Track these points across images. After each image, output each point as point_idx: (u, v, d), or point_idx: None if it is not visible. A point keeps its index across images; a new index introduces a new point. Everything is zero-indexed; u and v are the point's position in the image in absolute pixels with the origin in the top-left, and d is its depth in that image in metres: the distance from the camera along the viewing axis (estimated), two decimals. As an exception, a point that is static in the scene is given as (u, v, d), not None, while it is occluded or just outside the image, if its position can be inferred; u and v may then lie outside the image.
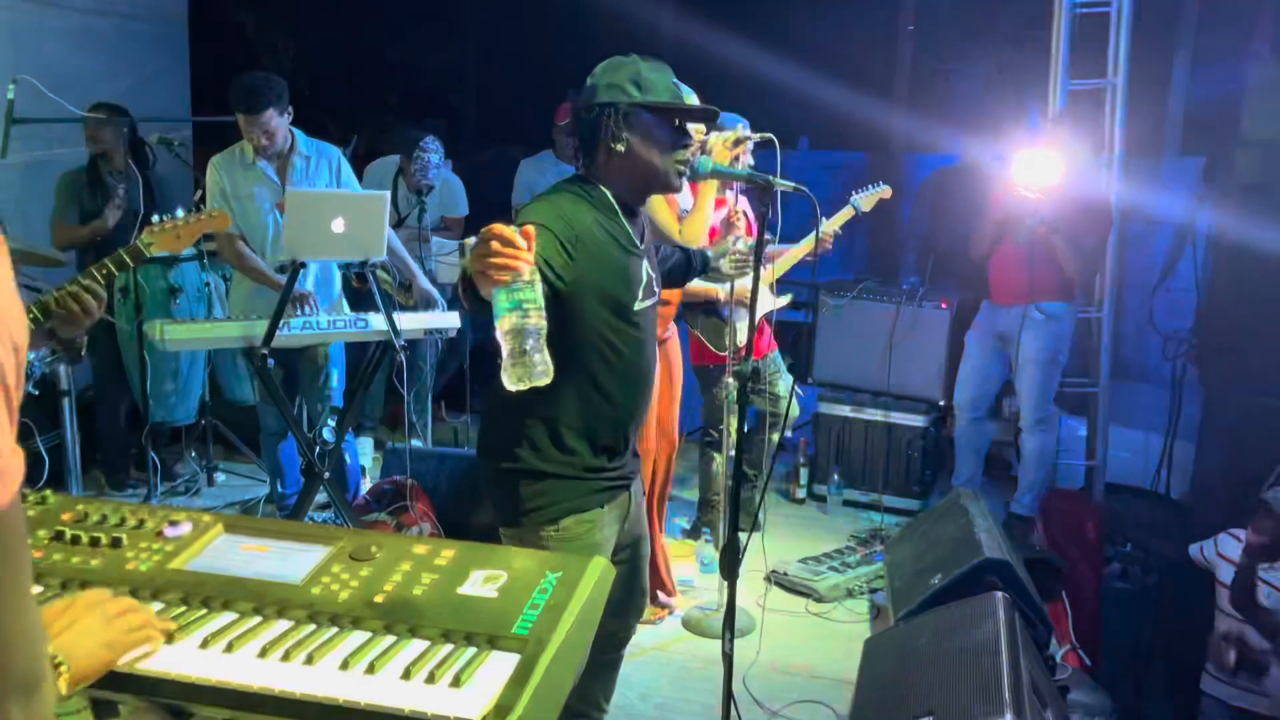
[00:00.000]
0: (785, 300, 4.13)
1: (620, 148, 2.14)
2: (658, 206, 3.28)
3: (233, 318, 3.83)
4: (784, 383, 4.34)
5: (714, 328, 4.03)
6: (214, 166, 3.85)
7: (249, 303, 3.88)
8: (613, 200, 2.19)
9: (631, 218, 2.23)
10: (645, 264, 2.26)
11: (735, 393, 2.36)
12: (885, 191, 4.17)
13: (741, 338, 3.94)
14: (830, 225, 3.99)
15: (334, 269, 4.03)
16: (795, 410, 4.40)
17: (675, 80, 2.21)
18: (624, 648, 2.60)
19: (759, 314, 3.58)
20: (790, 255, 4.06)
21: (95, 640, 1.21)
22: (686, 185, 3.64)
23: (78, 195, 4.39)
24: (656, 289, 2.32)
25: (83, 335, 2.33)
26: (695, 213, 3.35)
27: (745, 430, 2.39)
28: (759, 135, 3.68)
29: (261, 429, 4.12)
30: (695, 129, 3.40)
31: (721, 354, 4.00)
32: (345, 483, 4.09)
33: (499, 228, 1.68)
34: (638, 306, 2.22)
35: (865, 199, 4.14)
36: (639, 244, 2.24)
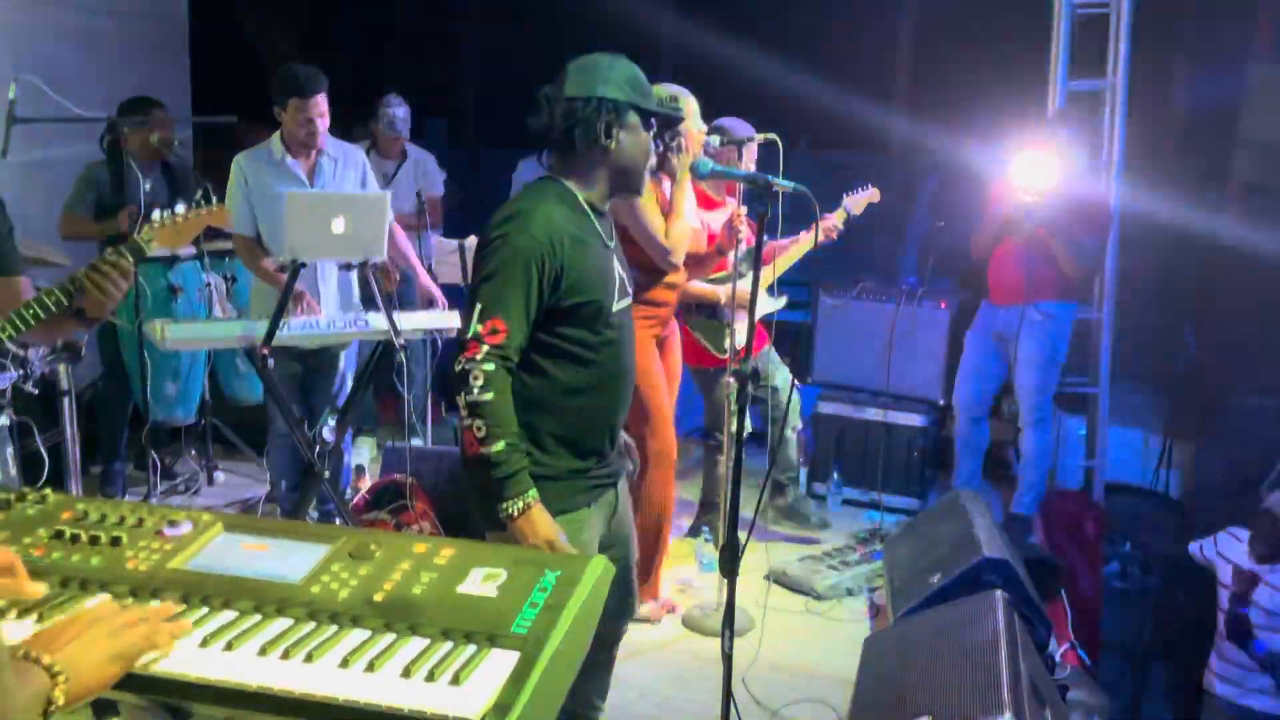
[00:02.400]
0: (781, 303, 4.15)
1: (610, 144, 2.14)
2: (649, 210, 3.25)
3: (253, 317, 3.78)
4: (781, 375, 4.35)
5: (712, 330, 4.04)
6: (238, 163, 3.82)
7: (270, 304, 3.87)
8: (581, 199, 2.19)
9: (600, 217, 2.24)
10: (616, 263, 2.26)
11: (735, 393, 2.37)
12: (874, 195, 4.24)
13: (740, 340, 3.98)
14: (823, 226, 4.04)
15: (351, 278, 4.01)
16: (797, 399, 4.42)
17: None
18: (616, 647, 2.61)
19: (753, 322, 3.61)
20: (790, 254, 4.07)
21: (100, 653, 1.21)
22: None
23: (97, 188, 4.39)
24: (629, 289, 2.32)
25: (84, 335, 2.31)
26: (675, 215, 3.32)
27: (749, 433, 2.40)
28: (763, 136, 3.71)
29: (271, 429, 4.11)
30: (699, 131, 3.42)
31: (719, 357, 4.01)
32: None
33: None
34: (615, 308, 2.22)
35: (855, 202, 4.19)
36: (610, 242, 2.25)
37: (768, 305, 4.02)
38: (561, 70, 2.18)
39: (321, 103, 3.75)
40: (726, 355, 3.95)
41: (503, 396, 2.04)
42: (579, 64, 2.17)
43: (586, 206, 2.19)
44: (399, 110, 5.01)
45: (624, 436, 2.47)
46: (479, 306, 2.06)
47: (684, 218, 3.31)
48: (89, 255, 4.52)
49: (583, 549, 2.20)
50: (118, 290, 2.10)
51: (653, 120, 2.21)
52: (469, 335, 2.06)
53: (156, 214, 2.33)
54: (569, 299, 2.12)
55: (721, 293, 3.95)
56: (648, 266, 3.28)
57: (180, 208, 2.38)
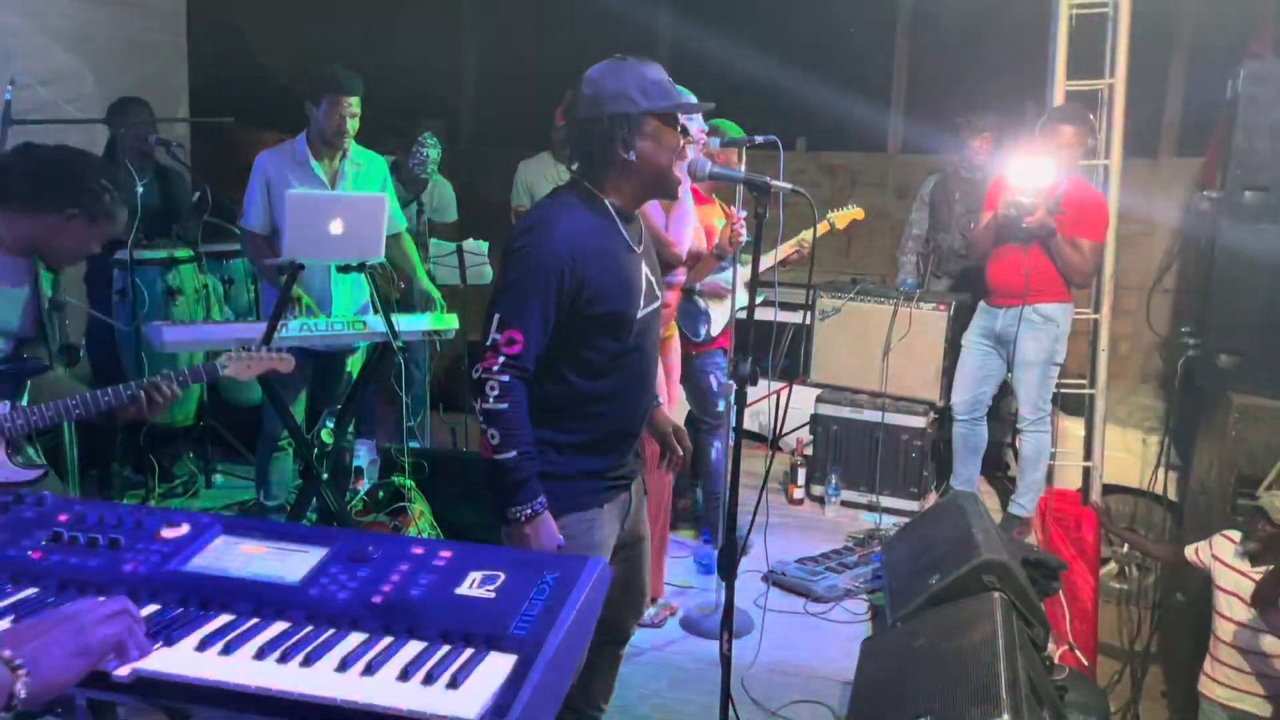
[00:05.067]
0: (759, 299, 4.16)
1: (631, 156, 2.13)
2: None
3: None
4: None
5: (689, 315, 4.06)
6: (261, 160, 3.83)
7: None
8: (610, 208, 2.18)
9: (628, 223, 2.23)
10: (645, 268, 2.25)
11: (734, 393, 2.37)
12: (858, 212, 4.38)
13: (715, 329, 4.07)
14: (803, 236, 4.08)
15: (361, 278, 4.01)
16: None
17: (668, 75, 2.21)
18: (623, 646, 2.61)
19: (734, 311, 3.63)
20: (771, 253, 4.08)
21: (65, 649, 1.21)
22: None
23: None
24: (658, 293, 2.31)
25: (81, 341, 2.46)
26: (675, 209, 3.30)
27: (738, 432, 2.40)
28: (762, 138, 3.72)
29: (262, 433, 4.10)
30: (697, 131, 3.42)
31: (695, 342, 4.04)
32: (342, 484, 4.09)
33: None
34: (640, 314, 2.22)
35: (839, 217, 4.29)
36: (637, 247, 2.24)
37: (743, 299, 4.04)
38: (577, 81, 2.17)
39: (356, 105, 3.78)
40: (700, 340, 4.05)
41: (517, 406, 2.08)
42: (590, 77, 2.15)
43: (613, 212, 2.18)
44: (431, 152, 5.02)
45: (674, 423, 2.48)
46: (498, 316, 2.09)
47: (684, 210, 3.31)
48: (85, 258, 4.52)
49: (594, 549, 2.20)
50: (162, 410, 2.52)
51: (678, 115, 2.18)
52: (486, 344, 2.08)
53: (234, 350, 2.74)
54: (591, 309, 2.12)
55: (698, 282, 3.99)
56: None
57: (265, 350, 2.80)
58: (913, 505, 4.76)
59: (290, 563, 1.52)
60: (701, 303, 4.05)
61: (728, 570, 2.35)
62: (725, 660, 2.34)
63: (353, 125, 3.80)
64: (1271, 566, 3.19)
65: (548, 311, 2.08)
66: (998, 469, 5.29)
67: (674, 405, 3.71)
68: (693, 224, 3.38)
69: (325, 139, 3.79)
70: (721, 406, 4.12)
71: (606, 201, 2.18)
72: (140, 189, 4.33)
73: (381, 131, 5.31)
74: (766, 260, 4.08)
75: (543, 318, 2.08)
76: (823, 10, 6.73)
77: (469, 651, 1.32)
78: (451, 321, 3.90)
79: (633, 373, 2.24)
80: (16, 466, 2.41)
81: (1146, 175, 6.00)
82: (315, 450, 3.64)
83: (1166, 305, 5.33)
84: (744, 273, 3.73)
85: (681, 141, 2.21)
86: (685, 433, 2.54)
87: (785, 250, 4.07)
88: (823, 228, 4.22)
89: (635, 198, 2.23)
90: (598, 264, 2.11)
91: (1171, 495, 4.80)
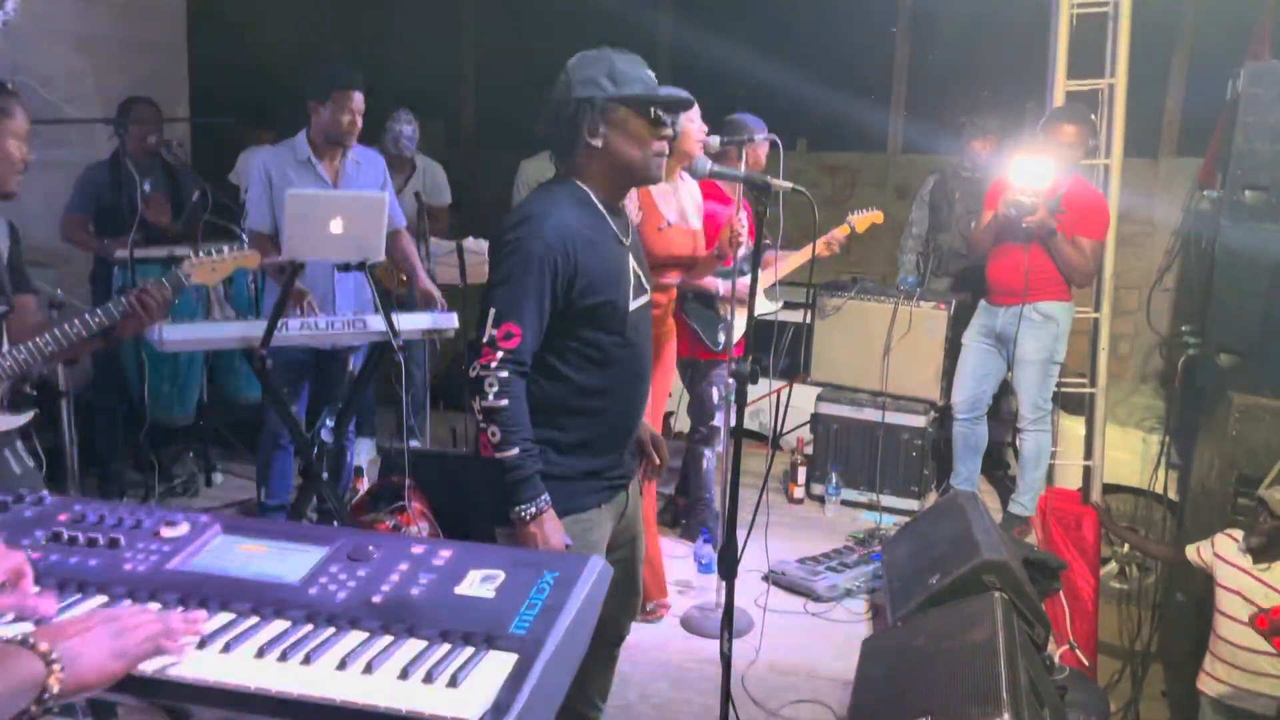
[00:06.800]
0: (778, 305, 4.15)
1: (597, 142, 2.13)
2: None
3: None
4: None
5: (707, 321, 4.05)
6: (261, 160, 3.83)
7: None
8: (594, 199, 2.18)
9: (615, 215, 2.23)
10: (632, 261, 2.25)
11: (734, 392, 2.37)
12: (877, 216, 4.35)
13: (735, 336, 4.00)
14: (823, 241, 4.07)
15: (364, 279, 4.01)
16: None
17: (649, 71, 2.19)
18: (619, 645, 2.61)
19: (751, 319, 3.61)
20: (790, 261, 4.08)
21: (103, 650, 1.21)
22: (694, 183, 3.65)
23: (97, 191, 4.41)
24: (646, 286, 2.32)
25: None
26: None
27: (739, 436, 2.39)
28: (763, 137, 3.72)
29: (263, 432, 4.10)
30: (698, 131, 3.42)
31: (712, 350, 4.03)
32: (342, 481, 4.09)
33: None
34: (632, 306, 2.22)
35: (859, 220, 4.30)
36: (625, 240, 2.24)
37: (765, 306, 4.03)
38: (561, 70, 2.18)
39: (362, 100, 3.78)
40: (719, 350, 4.00)
41: (517, 402, 2.05)
42: (568, 64, 2.17)
43: (599, 204, 2.18)
44: (405, 128, 5.00)
45: (651, 431, 2.48)
46: (493, 311, 2.06)
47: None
48: (86, 258, 4.54)
49: (591, 549, 2.20)
50: (157, 317, 2.40)
51: (652, 109, 2.15)
52: (483, 340, 2.06)
53: (198, 253, 2.61)
54: (584, 300, 2.11)
55: (720, 286, 3.96)
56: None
57: (226, 249, 2.64)
58: (913, 504, 4.76)
59: (290, 562, 1.51)
60: (723, 310, 4.02)
61: (728, 570, 2.35)
62: (725, 660, 2.34)
63: (361, 118, 3.80)
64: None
65: (543, 303, 2.07)
66: (998, 468, 5.29)
67: (664, 400, 3.67)
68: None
69: (332, 137, 3.78)
70: (718, 420, 4.11)
71: (591, 194, 2.18)
72: (145, 187, 4.33)
73: (380, 133, 5.32)
74: (798, 262, 4.10)
75: (539, 310, 2.07)
76: (823, 10, 6.73)
77: (469, 651, 1.32)
78: (451, 320, 3.90)
79: (628, 368, 2.23)
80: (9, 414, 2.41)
81: (1147, 175, 6.01)
82: (315, 449, 3.64)
83: (1167, 305, 5.32)
84: (764, 277, 3.72)
85: (651, 136, 2.14)
86: (664, 442, 2.54)
87: (806, 254, 4.08)
88: (844, 230, 4.24)
89: (612, 186, 2.21)
90: (589, 254, 2.11)
91: (1172, 495, 4.80)
